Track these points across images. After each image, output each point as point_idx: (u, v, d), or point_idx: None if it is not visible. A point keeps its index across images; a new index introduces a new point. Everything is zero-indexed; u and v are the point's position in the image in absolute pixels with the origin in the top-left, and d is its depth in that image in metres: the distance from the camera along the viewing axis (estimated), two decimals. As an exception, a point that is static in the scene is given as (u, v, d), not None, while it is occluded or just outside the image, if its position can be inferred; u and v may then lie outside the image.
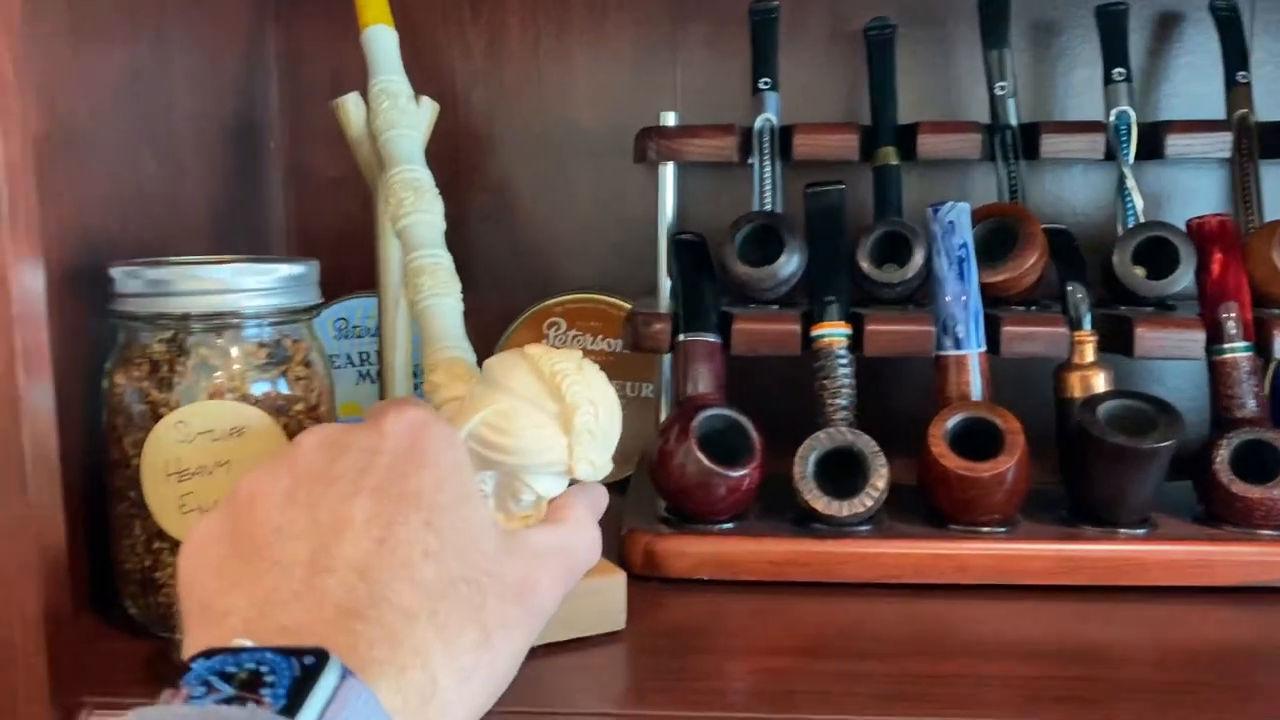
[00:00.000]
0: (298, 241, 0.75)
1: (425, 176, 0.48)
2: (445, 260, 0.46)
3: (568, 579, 0.36)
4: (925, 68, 0.71)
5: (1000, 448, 0.52)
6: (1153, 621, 0.50)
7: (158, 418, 0.44)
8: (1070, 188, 0.71)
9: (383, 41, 0.54)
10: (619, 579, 0.47)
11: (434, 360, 0.43)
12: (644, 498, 0.59)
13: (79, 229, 0.49)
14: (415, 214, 0.46)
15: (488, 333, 0.73)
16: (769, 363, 0.61)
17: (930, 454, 0.53)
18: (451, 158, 0.74)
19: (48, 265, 0.41)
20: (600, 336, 0.71)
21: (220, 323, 0.45)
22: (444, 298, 0.45)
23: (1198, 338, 0.56)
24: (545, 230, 0.75)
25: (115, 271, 0.46)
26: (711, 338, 0.58)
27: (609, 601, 0.46)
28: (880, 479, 0.52)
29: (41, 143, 0.44)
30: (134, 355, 0.45)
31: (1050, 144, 0.63)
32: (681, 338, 0.57)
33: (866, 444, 0.53)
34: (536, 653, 0.45)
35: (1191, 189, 0.69)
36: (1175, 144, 0.62)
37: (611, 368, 0.71)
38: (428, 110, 0.61)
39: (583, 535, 0.38)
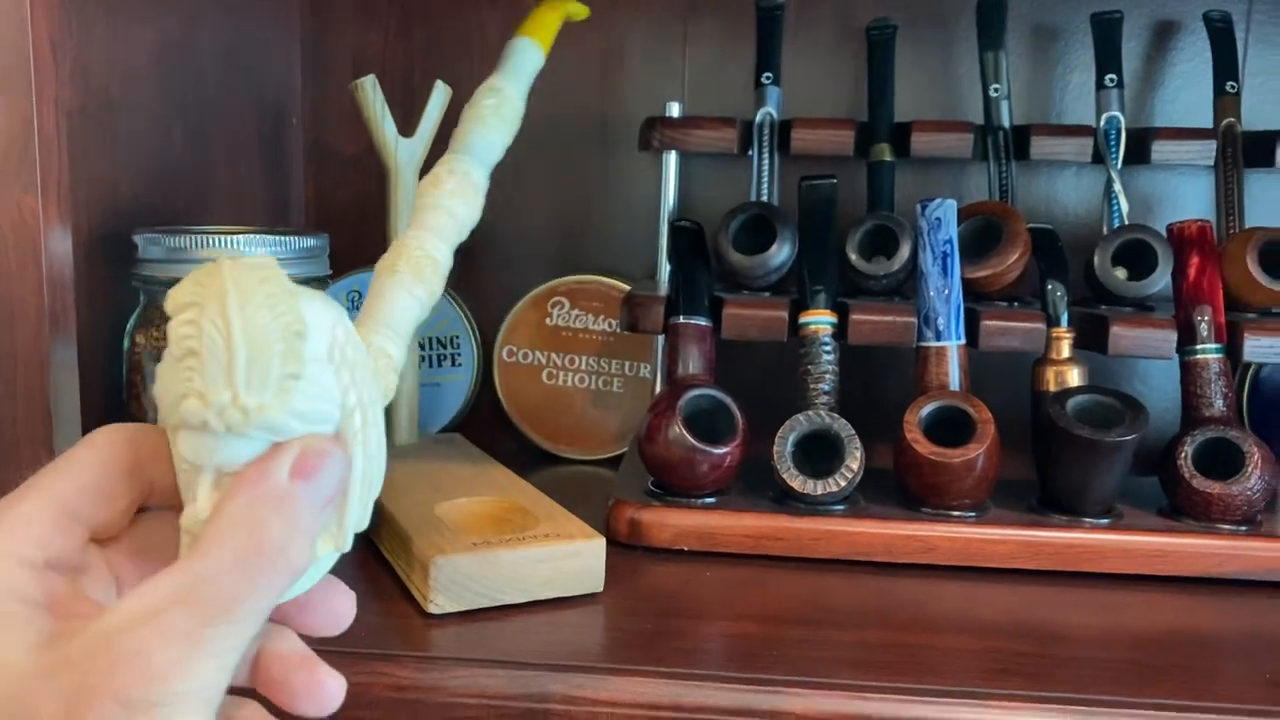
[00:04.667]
0: (316, 216, 0.78)
1: (479, 176, 0.45)
2: (436, 252, 0.40)
3: (205, 619, 0.27)
4: (927, 67, 0.73)
5: (971, 435, 0.54)
6: (1109, 606, 0.52)
7: (174, 376, 0.47)
8: (1064, 190, 0.73)
9: (527, 55, 0.51)
10: (598, 543, 0.49)
11: None
12: (635, 472, 0.62)
13: (108, 198, 0.52)
14: (441, 199, 0.42)
15: (496, 310, 0.76)
16: (762, 349, 0.63)
17: (904, 439, 0.55)
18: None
19: (77, 232, 0.44)
20: (602, 317, 0.74)
21: (235, 290, 0.48)
22: (404, 285, 0.38)
23: (1170, 338, 0.58)
24: (554, 213, 0.78)
25: (138, 238, 0.49)
26: (703, 321, 0.60)
27: (588, 564, 0.49)
28: (854, 461, 0.55)
29: (75, 114, 0.47)
30: (154, 317, 0.49)
31: (1040, 146, 0.65)
32: (674, 320, 0.60)
33: (843, 427, 0.55)
34: (518, 609, 0.48)
35: (1180, 195, 0.71)
36: (1161, 150, 0.64)
37: (611, 348, 0.74)
38: (439, 96, 0.64)
39: (209, 561, 0.27)
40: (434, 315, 0.75)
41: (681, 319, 0.60)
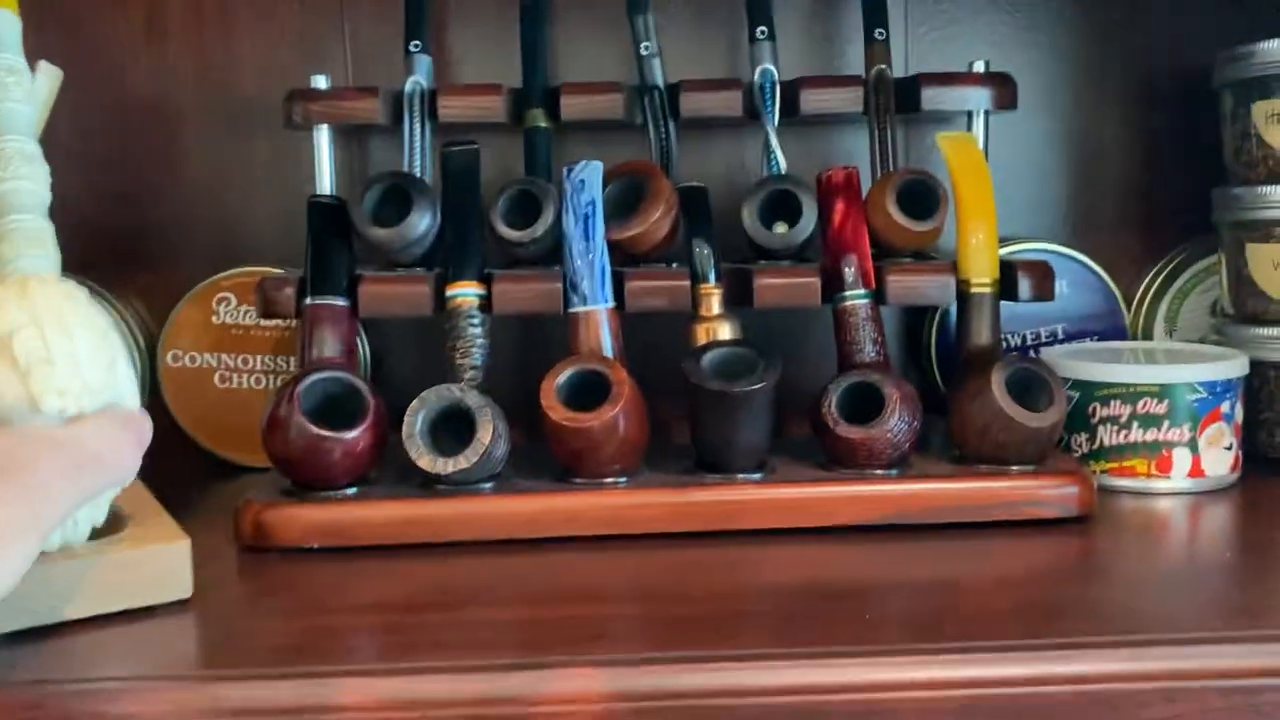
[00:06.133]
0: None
1: (32, 147, 0.47)
2: (37, 225, 0.45)
3: (74, 470, 0.37)
4: (600, 30, 0.70)
5: (606, 397, 0.52)
6: (751, 562, 0.50)
7: None
8: (732, 150, 0.72)
9: (6, 24, 0.53)
10: (180, 545, 0.45)
11: None
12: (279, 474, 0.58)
13: None
14: (13, 180, 0.46)
15: (162, 309, 0.70)
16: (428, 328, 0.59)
17: (542, 408, 0.52)
18: (119, 132, 0.72)
19: None
20: (276, 311, 0.69)
21: None
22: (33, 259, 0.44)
23: (815, 286, 0.57)
24: (218, 203, 0.73)
25: None
26: (338, 301, 0.56)
27: (168, 567, 0.44)
28: (486, 434, 0.52)
29: None
30: None
31: (690, 102, 0.63)
32: (305, 302, 0.56)
33: (474, 400, 0.52)
34: (89, 624, 0.43)
35: (842, 149, 0.71)
36: (810, 100, 0.63)
37: (288, 344, 0.69)
38: (46, 79, 0.59)
39: (94, 431, 0.39)
40: (88, 322, 0.69)
41: (312, 300, 0.56)
